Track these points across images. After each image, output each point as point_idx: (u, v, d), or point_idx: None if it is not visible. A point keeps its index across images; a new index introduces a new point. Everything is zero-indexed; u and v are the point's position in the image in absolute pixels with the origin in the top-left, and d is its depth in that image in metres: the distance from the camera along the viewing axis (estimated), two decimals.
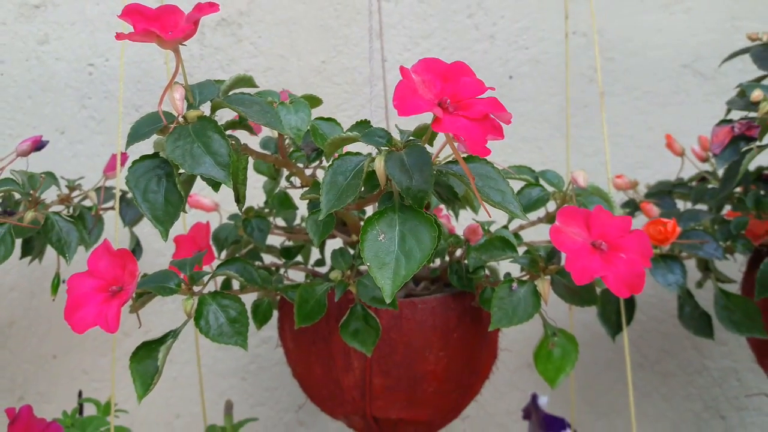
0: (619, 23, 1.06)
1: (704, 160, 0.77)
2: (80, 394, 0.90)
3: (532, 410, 0.84)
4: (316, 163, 0.62)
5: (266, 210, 0.73)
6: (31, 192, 0.67)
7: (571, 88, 1.05)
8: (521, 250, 0.58)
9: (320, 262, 0.73)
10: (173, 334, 0.55)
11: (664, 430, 1.04)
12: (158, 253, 1.04)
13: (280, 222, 0.77)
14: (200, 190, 0.81)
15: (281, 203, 0.67)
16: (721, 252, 0.59)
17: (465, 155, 0.47)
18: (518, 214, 0.45)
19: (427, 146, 0.47)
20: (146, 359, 0.54)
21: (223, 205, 0.82)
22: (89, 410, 0.91)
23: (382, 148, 0.46)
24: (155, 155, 0.51)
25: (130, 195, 0.84)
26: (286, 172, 0.70)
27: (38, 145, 0.76)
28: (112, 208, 0.83)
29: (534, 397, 0.83)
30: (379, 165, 0.44)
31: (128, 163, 0.74)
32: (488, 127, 0.39)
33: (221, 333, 0.53)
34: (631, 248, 0.49)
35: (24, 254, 0.84)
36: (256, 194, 0.86)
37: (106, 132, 1.08)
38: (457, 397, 0.64)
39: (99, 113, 1.08)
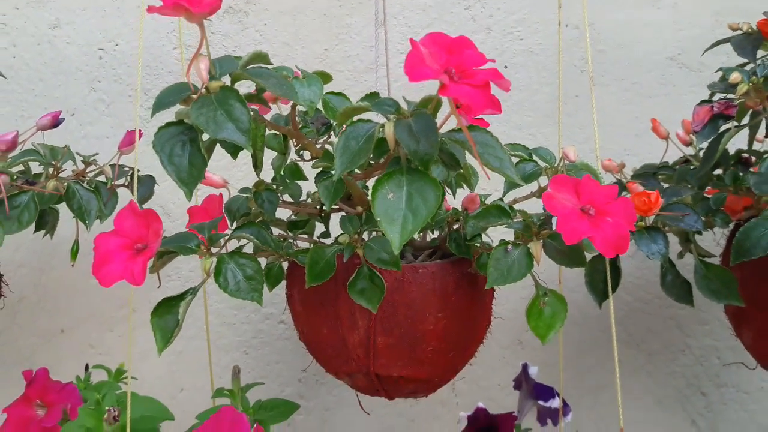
0: (609, 17, 1.11)
1: (688, 144, 0.81)
2: (87, 367, 0.93)
3: (522, 380, 0.89)
4: (325, 137, 0.66)
5: (274, 185, 0.77)
6: (53, 163, 0.71)
7: (563, 78, 1.10)
8: (515, 219, 0.63)
9: (325, 235, 0.78)
10: (192, 291, 0.60)
11: (649, 406, 1.09)
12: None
13: (286, 198, 0.81)
14: (210, 168, 0.85)
15: (292, 174, 0.72)
16: (701, 224, 0.64)
17: (467, 125, 0.51)
18: (514, 179, 0.50)
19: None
20: (167, 314, 0.58)
21: (232, 182, 0.86)
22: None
23: (391, 116, 0.50)
24: (179, 122, 0.55)
25: (141, 173, 0.88)
26: (292, 151, 0.75)
27: (56, 121, 0.79)
28: (124, 184, 0.87)
29: (525, 367, 0.88)
30: (389, 130, 0.48)
31: (142, 139, 0.78)
32: (489, 95, 0.43)
33: (239, 289, 0.57)
34: (617, 213, 0.54)
35: (38, 228, 0.87)
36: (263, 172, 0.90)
37: (114, 114, 1.12)
38: (454, 357, 0.69)
39: (108, 96, 1.12)
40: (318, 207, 0.77)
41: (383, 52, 0.85)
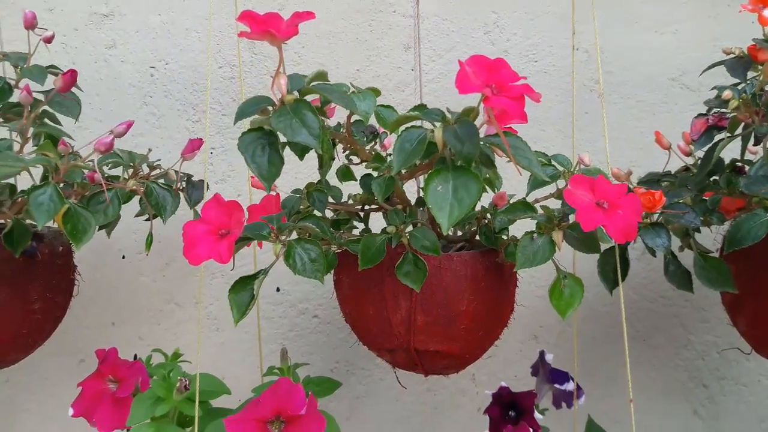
0: (617, 42, 1.21)
1: (688, 154, 0.91)
2: (135, 356, 1.03)
3: (540, 366, 0.98)
4: (371, 144, 0.77)
5: (321, 188, 0.87)
6: (132, 165, 0.82)
7: (578, 96, 1.21)
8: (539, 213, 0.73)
9: (366, 231, 0.88)
10: (264, 272, 0.70)
11: (654, 397, 1.18)
12: None
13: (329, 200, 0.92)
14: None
15: (343, 176, 0.82)
16: (699, 221, 0.74)
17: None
18: (541, 175, 0.60)
19: None
20: (242, 291, 0.69)
21: (280, 186, 0.96)
22: None
23: (437, 123, 0.61)
24: (258, 129, 0.66)
25: (195, 178, 0.99)
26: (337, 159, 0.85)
27: (128, 129, 0.90)
28: (181, 189, 0.97)
29: (542, 354, 0.97)
30: (438, 134, 0.58)
31: (204, 146, 0.88)
32: (522, 106, 0.54)
33: (305, 269, 0.67)
34: (627, 207, 0.64)
35: (101, 228, 0.97)
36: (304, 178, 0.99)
37: (164, 126, 1.23)
38: (483, 336, 0.78)
39: (159, 110, 1.23)
40: (359, 207, 0.88)
41: (416, 71, 0.95)
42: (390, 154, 0.76)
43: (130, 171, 0.83)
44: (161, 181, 0.96)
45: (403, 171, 0.67)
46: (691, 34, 1.20)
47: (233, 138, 1.23)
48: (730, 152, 0.86)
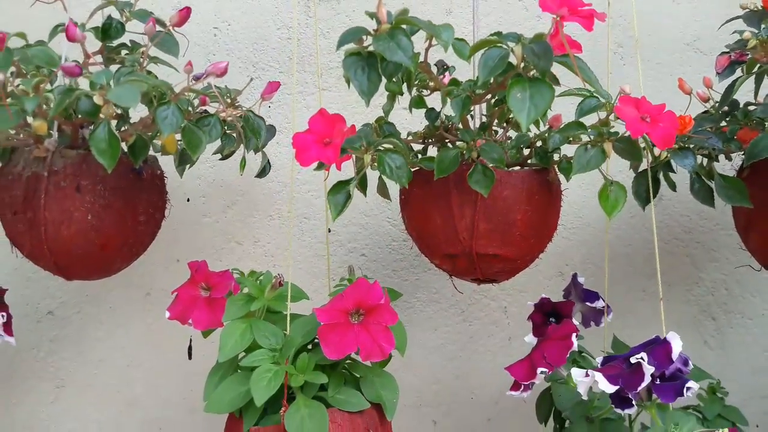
0: (638, 9, 1.34)
1: (706, 100, 1.04)
2: None
3: (572, 287, 1.10)
4: (442, 75, 0.89)
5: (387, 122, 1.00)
6: (230, 97, 0.94)
7: (599, 59, 1.34)
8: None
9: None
10: (355, 179, 0.82)
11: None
12: None
13: None
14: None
15: (416, 104, 0.94)
16: (720, 144, 0.87)
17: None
18: (600, 88, 0.73)
19: None
20: (338, 193, 0.81)
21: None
22: None
23: (511, 44, 0.73)
24: (357, 53, 0.78)
25: (269, 122, 1.11)
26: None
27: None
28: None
29: (574, 276, 1.10)
30: (518, 50, 0.71)
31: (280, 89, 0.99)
32: (592, 23, 0.67)
33: (392, 174, 0.80)
34: (666, 120, 0.76)
35: (180, 164, 1.09)
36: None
37: (227, 81, 1.34)
38: (533, 243, 0.91)
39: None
40: (421, 140, 1.00)
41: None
42: (449, 92, 0.89)
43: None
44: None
45: (480, 91, 0.79)
46: (706, 3, 1.33)
47: (289, 94, 1.34)
48: (746, 96, 0.99)
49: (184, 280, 1.02)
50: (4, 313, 1.07)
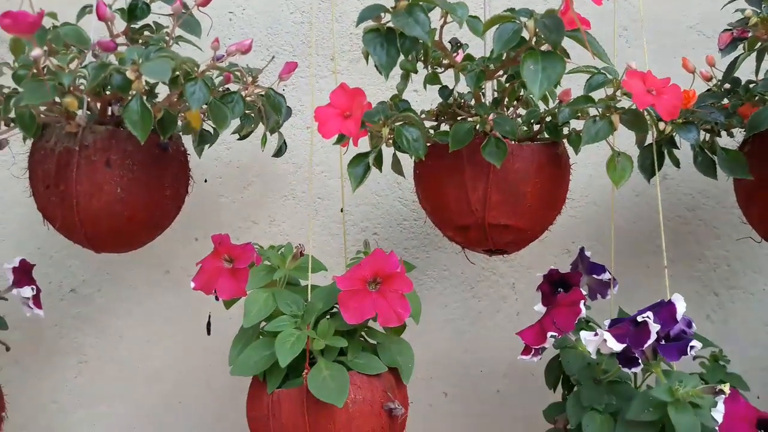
0: None
1: (709, 79, 1.08)
2: None
3: (579, 261, 1.14)
4: (455, 53, 0.93)
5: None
6: (252, 75, 0.98)
7: (606, 42, 1.37)
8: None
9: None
10: (374, 150, 0.86)
11: None
12: None
13: None
14: None
15: (430, 81, 0.98)
16: (723, 118, 0.91)
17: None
18: (608, 61, 0.77)
19: None
20: (357, 165, 0.85)
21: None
22: None
23: (524, 19, 0.77)
24: (376, 29, 0.82)
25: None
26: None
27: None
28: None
29: (582, 250, 1.13)
30: (531, 24, 0.75)
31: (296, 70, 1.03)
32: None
33: (410, 146, 0.84)
34: (670, 93, 0.80)
35: (199, 143, 1.13)
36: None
37: (241, 64, 1.39)
38: (543, 214, 0.95)
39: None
40: (434, 118, 1.04)
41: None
42: (464, 67, 0.93)
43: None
44: None
45: (493, 66, 0.83)
46: None
47: (303, 77, 1.38)
48: (748, 75, 1.03)
49: (202, 259, 1.06)
50: (33, 287, 1.12)
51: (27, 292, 1.10)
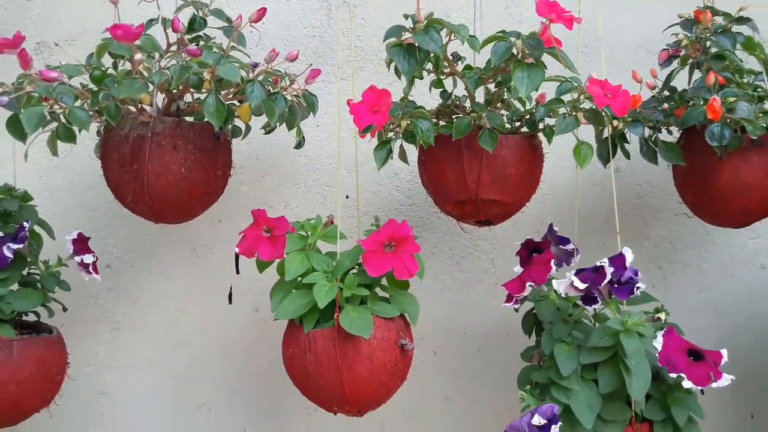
0: (601, 17, 1.65)
1: (653, 88, 1.35)
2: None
3: (548, 234, 1.39)
4: (457, 64, 1.18)
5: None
6: (291, 79, 1.21)
7: (572, 56, 1.64)
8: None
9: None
10: (395, 138, 1.10)
11: None
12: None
13: None
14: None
15: (435, 86, 1.22)
16: (662, 117, 1.18)
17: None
18: (576, 71, 1.02)
19: None
20: (382, 149, 1.09)
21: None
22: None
23: (513, 39, 1.02)
24: (398, 44, 1.06)
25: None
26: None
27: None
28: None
29: (551, 226, 1.38)
30: (519, 43, 1.00)
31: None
32: (572, 23, 0.96)
33: (422, 134, 1.08)
34: (622, 96, 1.06)
35: (232, 136, 1.35)
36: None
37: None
38: (523, 192, 1.21)
39: (255, 59, 1.60)
40: (434, 117, 1.28)
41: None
42: (465, 74, 1.17)
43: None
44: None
45: (485, 75, 1.08)
46: (653, 13, 1.65)
47: (317, 86, 1.60)
48: (683, 84, 1.30)
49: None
50: (93, 254, 1.32)
51: (89, 258, 1.30)
